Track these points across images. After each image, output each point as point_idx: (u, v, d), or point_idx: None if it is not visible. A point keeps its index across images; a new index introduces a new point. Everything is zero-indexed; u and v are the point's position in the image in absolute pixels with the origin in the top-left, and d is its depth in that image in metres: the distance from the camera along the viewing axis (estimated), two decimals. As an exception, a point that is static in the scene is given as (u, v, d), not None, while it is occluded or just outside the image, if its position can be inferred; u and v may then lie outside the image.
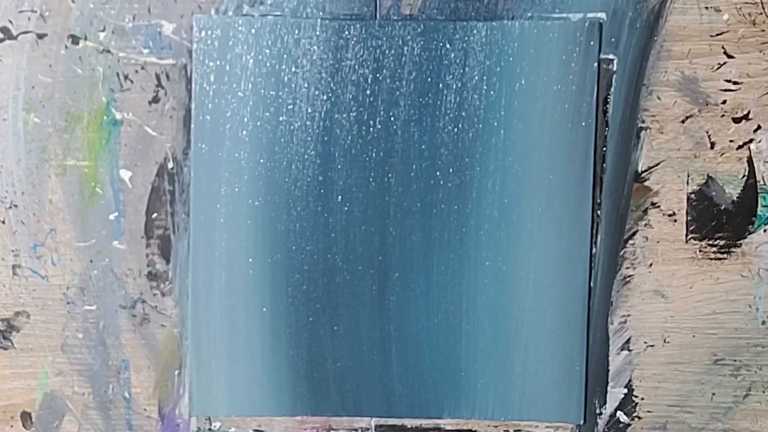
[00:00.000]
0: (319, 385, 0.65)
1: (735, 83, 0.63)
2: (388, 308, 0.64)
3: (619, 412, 0.66)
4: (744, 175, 0.64)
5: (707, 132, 0.64)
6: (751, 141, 0.64)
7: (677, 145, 0.64)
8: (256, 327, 0.64)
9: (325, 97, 0.63)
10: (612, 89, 0.63)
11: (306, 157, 0.63)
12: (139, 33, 0.63)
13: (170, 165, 0.64)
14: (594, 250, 0.64)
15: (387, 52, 0.63)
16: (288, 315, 0.64)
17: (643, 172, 0.64)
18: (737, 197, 0.64)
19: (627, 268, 0.65)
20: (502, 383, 0.64)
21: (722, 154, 0.64)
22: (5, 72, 0.63)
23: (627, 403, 0.66)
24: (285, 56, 0.63)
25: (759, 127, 0.64)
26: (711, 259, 0.64)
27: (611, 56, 0.63)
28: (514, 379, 0.64)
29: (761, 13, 0.63)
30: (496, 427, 0.66)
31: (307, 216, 0.64)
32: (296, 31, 0.62)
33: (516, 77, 0.62)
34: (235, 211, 0.63)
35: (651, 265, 0.65)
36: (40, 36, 0.63)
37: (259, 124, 0.63)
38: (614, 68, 0.63)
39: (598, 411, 0.66)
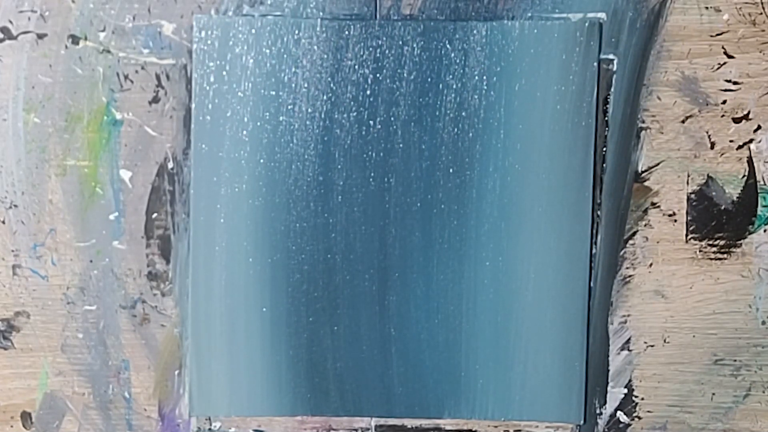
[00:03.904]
0: (319, 385, 0.65)
1: (735, 83, 0.63)
2: (388, 308, 0.64)
3: (619, 412, 0.66)
4: (744, 175, 0.64)
5: (707, 132, 0.64)
6: (751, 141, 0.64)
7: (677, 145, 0.64)
8: (256, 327, 0.64)
9: (325, 97, 0.63)
10: (612, 89, 0.63)
11: (306, 157, 0.63)
12: (139, 33, 0.63)
13: (170, 165, 0.64)
14: (594, 250, 0.64)
15: (387, 52, 0.63)
16: (288, 315, 0.64)
17: (643, 172, 0.64)
18: (737, 197, 0.64)
19: (627, 268, 0.65)
20: (502, 383, 0.64)
21: (722, 154, 0.64)
22: (5, 72, 0.63)
23: (627, 403, 0.66)
24: (285, 56, 0.63)
25: (759, 127, 0.64)
26: (711, 259, 0.64)
27: (611, 56, 0.63)
28: (514, 379, 0.64)
29: (761, 13, 0.63)
30: (496, 427, 0.66)
31: (307, 216, 0.64)
32: (296, 31, 0.62)
33: (516, 77, 0.62)
34: (235, 211, 0.63)
35: (651, 265, 0.65)
36: (40, 36, 0.63)
37: (259, 124, 0.63)
38: (614, 68, 0.63)
39: (598, 411, 0.66)
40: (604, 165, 0.64)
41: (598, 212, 0.64)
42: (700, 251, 0.64)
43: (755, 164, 0.64)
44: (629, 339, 0.65)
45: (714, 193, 0.64)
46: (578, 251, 0.63)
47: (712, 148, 0.64)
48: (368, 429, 0.66)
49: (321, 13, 0.63)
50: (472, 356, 0.64)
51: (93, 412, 0.66)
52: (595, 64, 0.63)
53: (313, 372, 0.65)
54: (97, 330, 0.65)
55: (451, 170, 0.63)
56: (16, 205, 0.64)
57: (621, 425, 0.66)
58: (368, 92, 0.63)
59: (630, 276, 0.65)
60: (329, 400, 0.65)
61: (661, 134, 0.64)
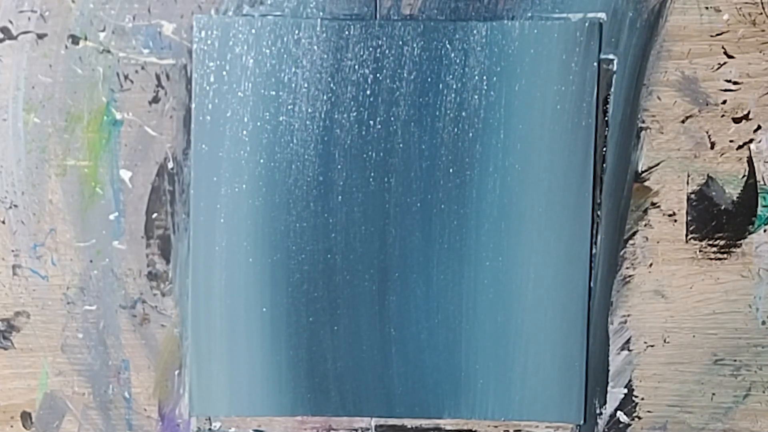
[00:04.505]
0: (319, 385, 0.65)
1: (735, 83, 0.63)
2: (388, 308, 0.64)
3: (619, 412, 0.66)
4: (744, 175, 0.64)
5: (707, 132, 0.64)
6: (751, 141, 0.64)
7: (677, 145, 0.64)
8: (256, 327, 0.64)
9: (325, 97, 0.63)
10: (612, 89, 0.63)
11: (306, 157, 0.63)
12: (139, 33, 0.63)
13: (170, 165, 0.64)
14: (594, 250, 0.64)
15: (387, 52, 0.63)
16: (288, 315, 0.64)
17: (643, 172, 0.64)
18: (737, 197, 0.64)
19: (627, 268, 0.65)
20: (502, 383, 0.64)
21: (722, 154, 0.64)
22: (5, 72, 0.63)
23: (627, 403, 0.66)
24: (285, 56, 0.63)
25: (759, 127, 0.64)
26: (711, 259, 0.64)
27: (611, 56, 0.63)
28: (514, 379, 0.64)
29: (761, 13, 0.63)
30: (496, 427, 0.66)
31: (307, 216, 0.64)
32: (296, 31, 0.62)
33: (516, 77, 0.62)
34: (235, 211, 0.63)
35: (651, 265, 0.65)
36: (40, 36, 0.63)
37: (259, 124, 0.63)
38: (614, 68, 0.63)
39: (598, 411, 0.66)
40: (604, 165, 0.64)
41: (598, 212, 0.64)
42: (700, 251, 0.64)
43: (755, 164, 0.64)
44: (629, 339, 0.65)
45: (714, 193, 0.64)
46: (578, 251, 0.63)
47: (712, 148, 0.64)
48: (368, 429, 0.66)
49: (321, 13, 0.63)
50: (472, 356, 0.64)
51: (93, 412, 0.66)
52: (595, 64, 0.63)
53: (313, 372, 0.65)
54: (97, 330, 0.65)
55: (451, 170, 0.63)
56: (16, 205, 0.64)
57: (621, 425, 0.66)
58: (368, 92, 0.63)
59: (630, 276, 0.65)
60: (329, 400, 0.65)
61: (661, 134, 0.64)
